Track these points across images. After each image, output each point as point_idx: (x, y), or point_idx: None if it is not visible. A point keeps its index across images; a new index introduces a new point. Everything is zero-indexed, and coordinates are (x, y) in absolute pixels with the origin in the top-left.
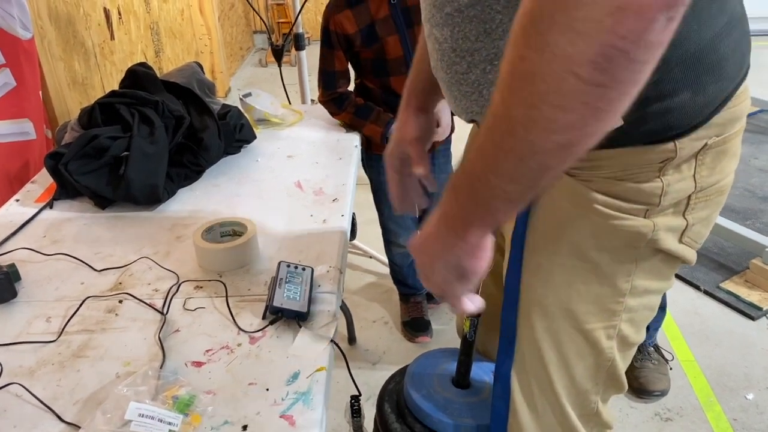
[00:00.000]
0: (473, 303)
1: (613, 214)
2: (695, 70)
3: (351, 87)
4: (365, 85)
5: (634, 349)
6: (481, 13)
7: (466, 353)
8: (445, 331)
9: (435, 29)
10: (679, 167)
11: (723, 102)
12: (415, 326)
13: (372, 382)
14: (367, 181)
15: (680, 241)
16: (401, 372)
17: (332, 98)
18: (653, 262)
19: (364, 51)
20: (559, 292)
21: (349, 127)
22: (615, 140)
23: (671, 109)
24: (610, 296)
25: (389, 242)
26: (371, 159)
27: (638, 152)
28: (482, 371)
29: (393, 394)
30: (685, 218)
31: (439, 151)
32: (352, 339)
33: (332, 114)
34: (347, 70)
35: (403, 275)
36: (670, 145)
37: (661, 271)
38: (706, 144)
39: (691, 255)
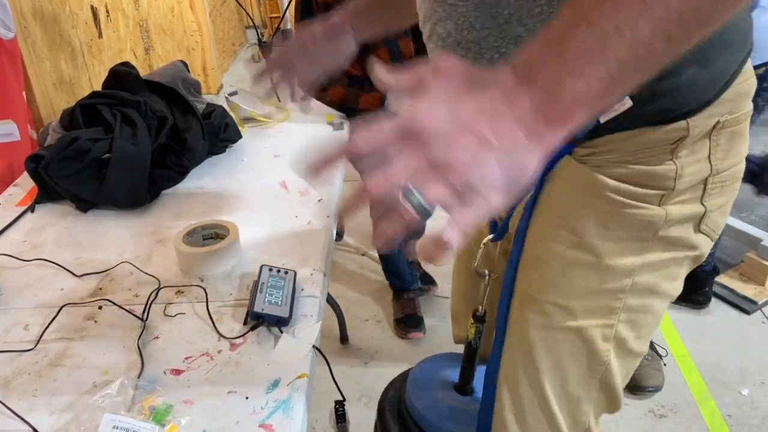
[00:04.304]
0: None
1: (625, 202)
2: (702, 43)
3: None
4: (348, 72)
5: (635, 362)
6: None
7: (470, 360)
8: (437, 328)
9: (438, 26)
10: (693, 148)
11: (732, 77)
12: (408, 323)
13: (364, 381)
14: (355, 178)
15: (698, 230)
16: (402, 378)
17: None
18: (662, 258)
19: None
20: (555, 286)
21: (341, 104)
22: (625, 121)
23: (680, 86)
24: (609, 292)
25: None
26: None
27: (649, 132)
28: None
29: (394, 401)
30: (702, 204)
31: None
32: (344, 338)
33: (321, 90)
34: None
35: (393, 261)
36: (682, 123)
37: (668, 270)
38: (718, 122)
39: (706, 246)
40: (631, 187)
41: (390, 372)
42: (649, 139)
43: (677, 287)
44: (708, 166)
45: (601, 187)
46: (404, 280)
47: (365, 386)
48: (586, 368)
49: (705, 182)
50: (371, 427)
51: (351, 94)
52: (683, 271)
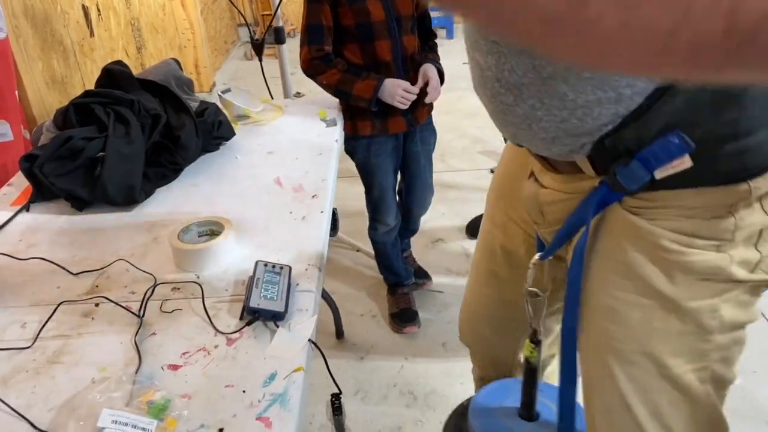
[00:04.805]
0: None
1: (685, 251)
2: None
3: None
4: (347, 59)
5: (729, 388)
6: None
7: (531, 382)
8: (432, 321)
9: (477, 54)
10: (750, 203)
11: None
12: (403, 317)
13: (360, 376)
14: (350, 173)
15: (752, 272)
16: (461, 408)
17: (320, 56)
18: (736, 293)
19: (347, 12)
20: (638, 334)
21: (335, 90)
22: (684, 180)
23: (748, 149)
24: (696, 335)
25: (375, 221)
26: (359, 144)
27: (709, 192)
28: (548, 397)
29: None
30: (757, 250)
31: (424, 124)
32: (339, 333)
33: (318, 74)
34: (332, 29)
35: (388, 257)
36: (744, 186)
37: (746, 302)
38: None
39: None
40: (688, 238)
41: (386, 366)
42: (708, 198)
43: (757, 310)
44: (765, 217)
45: (658, 237)
46: (398, 276)
47: (361, 380)
48: (689, 414)
49: (760, 232)
50: (367, 421)
51: (346, 80)
52: (759, 296)
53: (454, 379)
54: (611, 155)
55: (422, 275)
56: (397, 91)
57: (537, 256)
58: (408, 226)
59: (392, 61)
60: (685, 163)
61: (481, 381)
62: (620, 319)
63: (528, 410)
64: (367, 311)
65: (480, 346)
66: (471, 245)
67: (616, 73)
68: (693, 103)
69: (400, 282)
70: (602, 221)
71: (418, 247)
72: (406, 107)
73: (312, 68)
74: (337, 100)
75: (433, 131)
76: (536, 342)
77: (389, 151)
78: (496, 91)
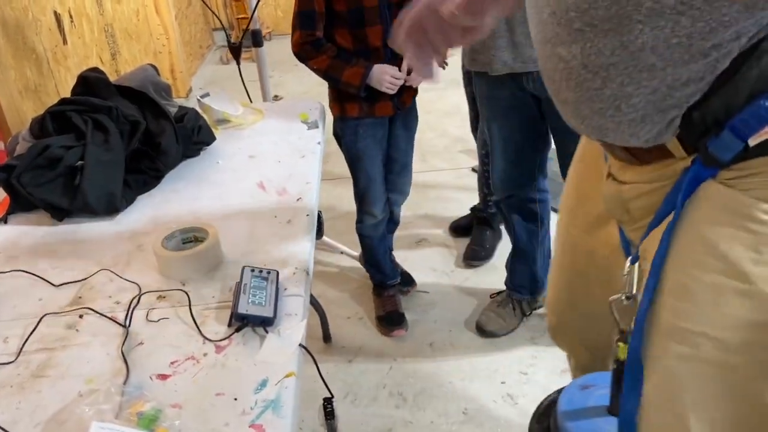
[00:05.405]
0: None
1: None
2: None
3: None
4: (337, 43)
5: None
6: (618, 26)
7: (621, 378)
8: (419, 322)
9: (560, 48)
10: None
11: None
12: (390, 320)
13: (349, 379)
14: (332, 176)
15: None
16: (546, 409)
17: (310, 40)
18: None
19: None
20: (706, 316)
21: (325, 74)
22: None
23: None
24: (765, 327)
25: (363, 213)
26: (346, 125)
27: None
28: None
29: None
30: None
31: (408, 109)
32: (327, 337)
33: (308, 58)
34: (324, 15)
35: (375, 252)
36: None
37: None
38: None
39: None
40: None
41: (374, 368)
42: None
43: None
44: None
45: (752, 209)
46: (385, 274)
47: (350, 384)
48: (735, 410)
49: None
50: (358, 424)
51: (336, 66)
52: None
53: (443, 379)
54: (700, 129)
55: (407, 282)
56: (384, 78)
57: (628, 262)
58: (390, 216)
59: (382, 47)
60: None
61: (577, 370)
62: (690, 297)
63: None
64: (354, 314)
65: (570, 337)
66: (454, 244)
67: None
68: None
69: (386, 280)
70: (691, 201)
71: (401, 247)
72: (393, 93)
73: (302, 52)
74: (317, 103)
75: (416, 116)
76: (627, 342)
77: (377, 138)
78: (582, 78)
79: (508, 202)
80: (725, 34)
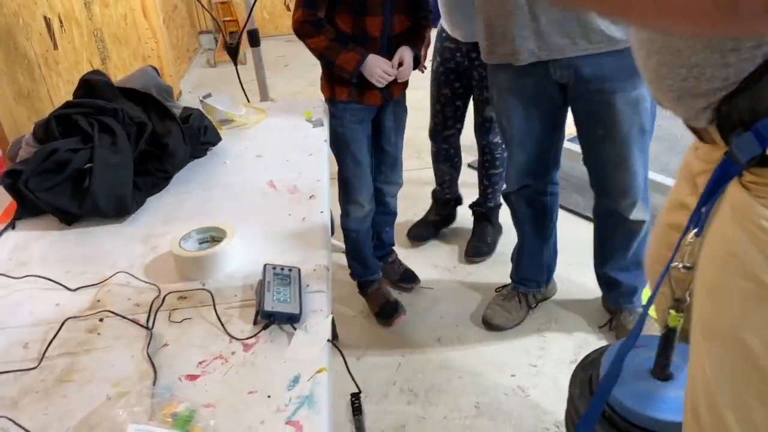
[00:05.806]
0: None
1: None
2: None
3: None
4: (337, 26)
5: None
6: None
7: (669, 345)
8: (425, 318)
9: (659, 53)
10: None
11: None
12: (386, 313)
13: (359, 376)
14: (334, 176)
15: None
16: (591, 360)
17: (311, 20)
18: None
19: None
20: (731, 317)
21: (320, 55)
22: None
23: None
24: None
25: (349, 202)
26: (336, 108)
27: None
28: (681, 358)
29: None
30: None
31: (397, 100)
32: (334, 336)
33: (307, 37)
34: None
35: (360, 246)
36: None
37: None
38: None
39: None
40: None
41: (383, 365)
42: None
43: None
44: None
45: (758, 216)
46: (368, 267)
47: (360, 381)
48: None
49: None
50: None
51: (332, 48)
52: None
53: (452, 374)
54: (729, 124)
55: (410, 279)
56: (376, 71)
57: (693, 232)
58: (386, 208)
59: (379, 37)
60: None
61: None
62: (718, 296)
63: (663, 371)
64: (359, 311)
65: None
66: (455, 240)
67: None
68: None
69: (368, 276)
70: (723, 195)
71: (402, 246)
72: (382, 86)
73: (302, 30)
74: (320, 101)
75: (405, 109)
76: (681, 311)
77: (365, 124)
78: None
79: (521, 193)
80: (746, 42)
